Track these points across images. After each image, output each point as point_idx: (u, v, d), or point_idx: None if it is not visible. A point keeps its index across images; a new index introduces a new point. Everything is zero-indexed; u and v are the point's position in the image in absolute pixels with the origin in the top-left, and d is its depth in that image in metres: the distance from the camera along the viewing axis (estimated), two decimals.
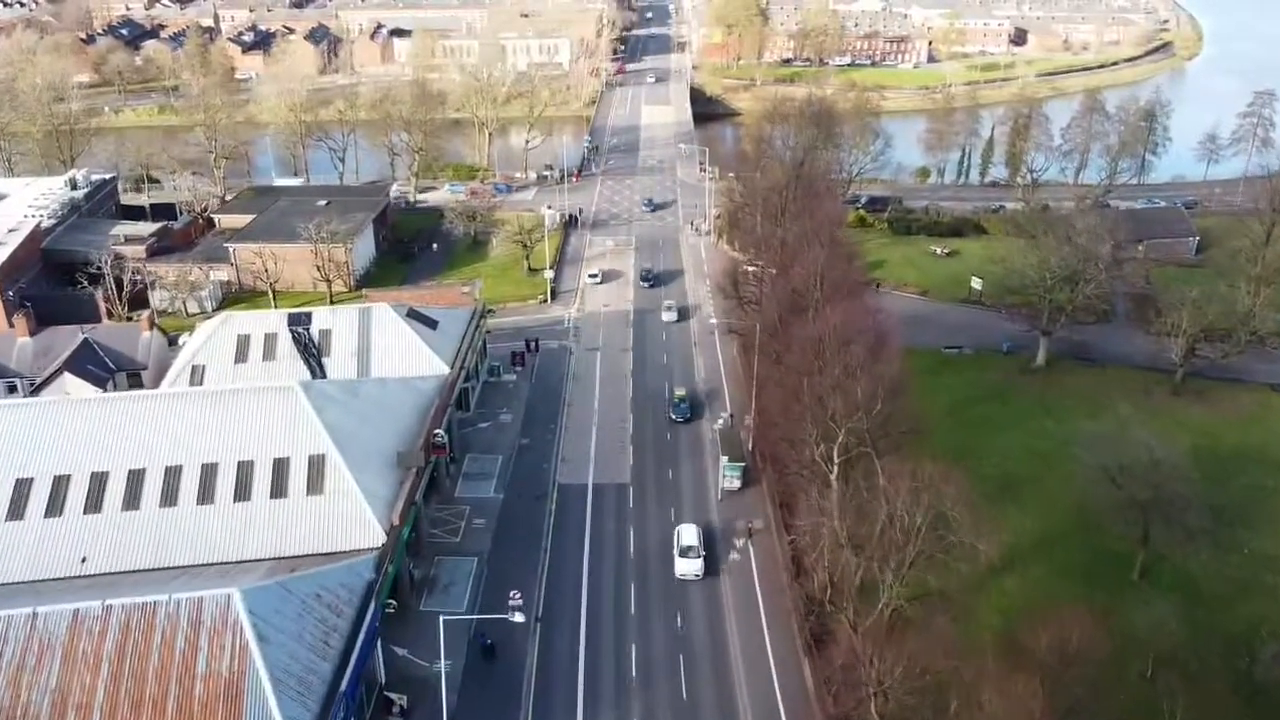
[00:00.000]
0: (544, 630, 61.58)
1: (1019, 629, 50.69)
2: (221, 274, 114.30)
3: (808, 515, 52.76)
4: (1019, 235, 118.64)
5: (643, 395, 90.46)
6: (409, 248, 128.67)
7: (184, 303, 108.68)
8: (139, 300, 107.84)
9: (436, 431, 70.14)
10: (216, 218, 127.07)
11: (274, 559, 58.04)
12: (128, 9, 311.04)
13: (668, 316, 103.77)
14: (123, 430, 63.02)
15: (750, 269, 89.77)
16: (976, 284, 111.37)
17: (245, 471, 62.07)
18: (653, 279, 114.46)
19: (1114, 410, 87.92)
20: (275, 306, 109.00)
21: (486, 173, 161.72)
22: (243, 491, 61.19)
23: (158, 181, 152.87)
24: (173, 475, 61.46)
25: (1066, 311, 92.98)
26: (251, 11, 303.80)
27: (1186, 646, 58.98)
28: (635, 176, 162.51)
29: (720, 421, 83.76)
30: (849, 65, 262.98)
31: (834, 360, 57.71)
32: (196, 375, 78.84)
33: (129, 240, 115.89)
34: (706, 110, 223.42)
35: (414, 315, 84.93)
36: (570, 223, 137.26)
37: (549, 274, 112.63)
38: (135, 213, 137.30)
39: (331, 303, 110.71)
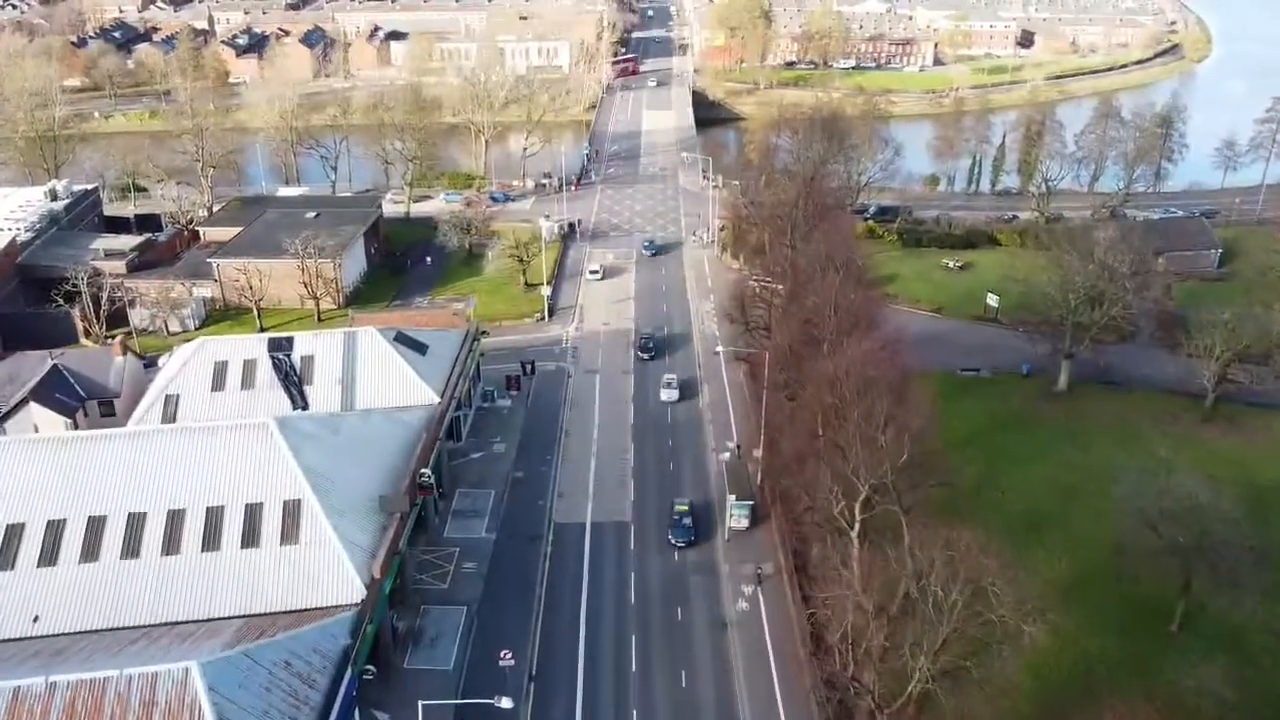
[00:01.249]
0: (538, 691, 56.87)
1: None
2: (205, 290, 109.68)
3: (827, 584, 47.95)
4: (1037, 249, 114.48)
5: (644, 422, 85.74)
6: (401, 261, 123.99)
7: (165, 322, 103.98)
8: (119, 318, 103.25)
9: (423, 471, 65.44)
10: (201, 230, 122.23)
11: (243, 617, 53.34)
12: (120, 11, 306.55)
13: (667, 395, 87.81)
14: (82, 473, 58.44)
15: (757, 286, 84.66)
16: (993, 301, 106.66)
17: (214, 518, 57.46)
18: (651, 349, 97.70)
19: (1142, 439, 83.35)
20: (260, 325, 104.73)
21: (483, 181, 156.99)
22: (211, 540, 56.57)
23: (145, 190, 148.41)
24: (135, 523, 56.86)
25: (1090, 333, 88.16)
26: (246, 14, 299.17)
27: (1238, 712, 54.15)
28: (636, 184, 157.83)
29: (726, 453, 79.06)
30: (854, 68, 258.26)
31: (854, 402, 53.03)
32: (170, 406, 74.24)
33: (109, 255, 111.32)
34: (709, 115, 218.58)
35: (402, 340, 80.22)
36: (569, 234, 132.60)
37: (546, 291, 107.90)
38: (119, 225, 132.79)
39: (319, 320, 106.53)
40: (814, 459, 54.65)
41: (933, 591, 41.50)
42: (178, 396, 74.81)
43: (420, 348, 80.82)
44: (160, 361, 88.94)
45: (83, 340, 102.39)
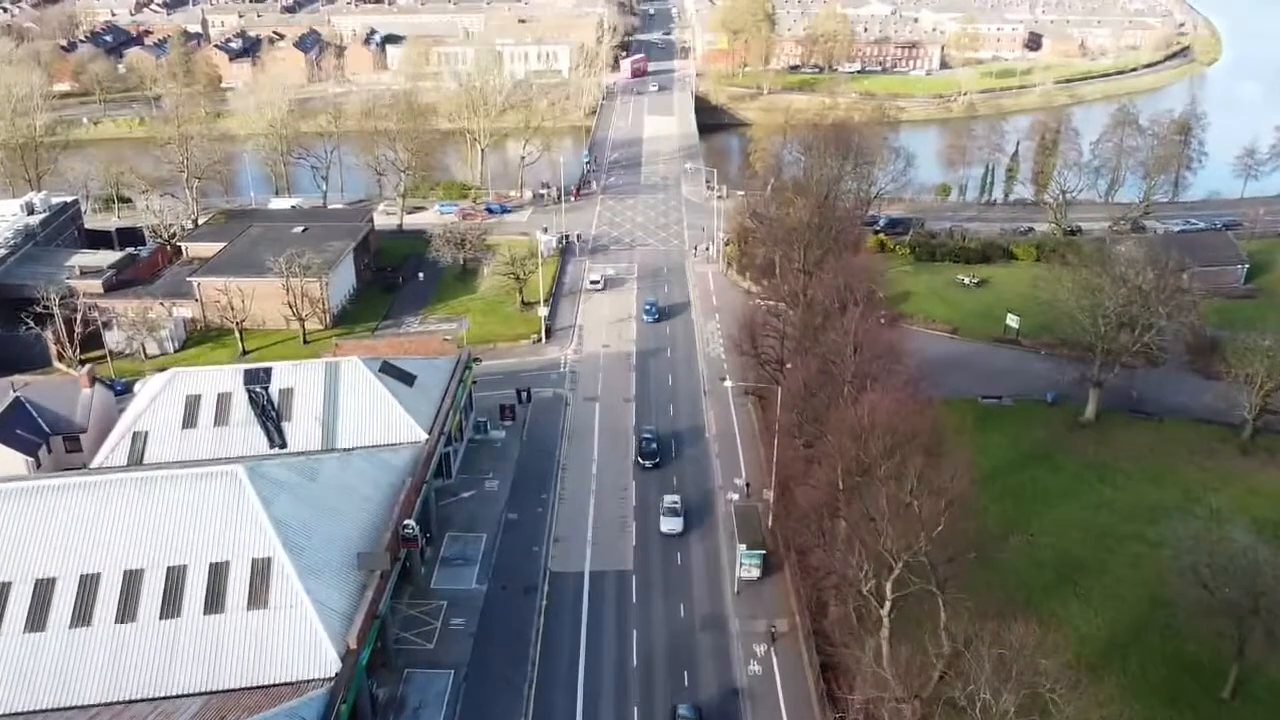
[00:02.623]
0: None
1: None
2: (186, 310, 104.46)
3: (860, 684, 42.73)
4: (1056, 264, 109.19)
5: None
6: (393, 277, 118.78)
7: (142, 344, 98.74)
8: (95, 340, 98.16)
9: (407, 523, 60.25)
10: (184, 246, 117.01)
11: (204, 694, 48.21)
12: (112, 15, 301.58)
13: (670, 526, 70.06)
14: (31, 529, 53.46)
15: (765, 306, 79.24)
16: (1013, 321, 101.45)
17: (175, 579, 52.41)
18: (655, 452, 79.62)
19: (1178, 475, 78.37)
20: (243, 347, 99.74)
21: (479, 191, 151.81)
22: (171, 605, 51.49)
23: (129, 201, 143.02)
24: (88, 586, 51.79)
25: (1121, 361, 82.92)
26: (241, 17, 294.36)
27: None
28: (638, 194, 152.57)
29: (734, 494, 73.87)
30: (859, 72, 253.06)
31: (881, 460, 47.86)
32: (137, 444, 69.27)
33: (85, 273, 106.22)
34: (712, 120, 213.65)
35: (388, 370, 75.15)
36: (567, 248, 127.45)
37: (543, 311, 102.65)
38: (100, 239, 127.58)
39: (305, 342, 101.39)
40: (833, 517, 49.44)
41: (981, 698, 36.33)
42: (146, 434, 69.82)
43: (407, 379, 75.77)
44: (136, 387, 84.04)
45: (56, 364, 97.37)
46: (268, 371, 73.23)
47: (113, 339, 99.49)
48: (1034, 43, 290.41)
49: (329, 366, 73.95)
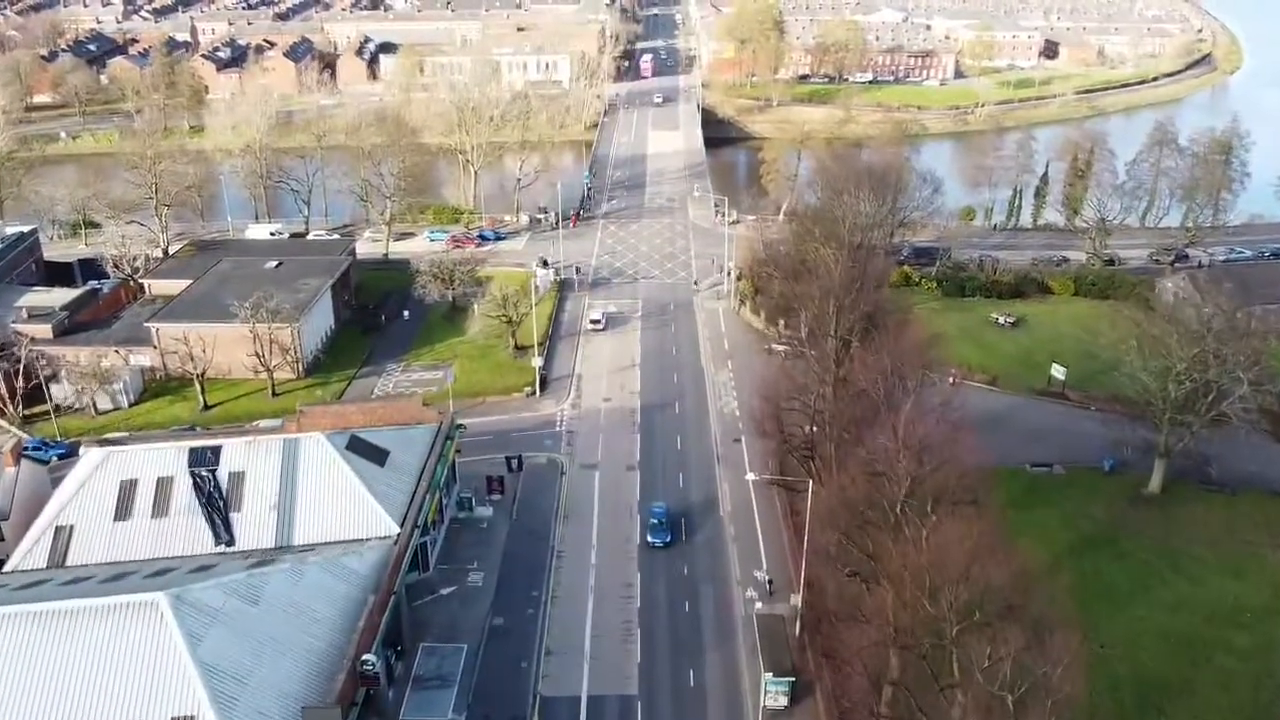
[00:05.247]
0: None
1: None
2: (144, 358, 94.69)
3: None
4: (1113, 311, 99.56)
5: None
6: (375, 316, 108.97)
7: (93, 398, 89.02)
8: (42, 394, 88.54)
9: (366, 658, 50.39)
10: (147, 283, 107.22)
11: None
12: (98, 22, 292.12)
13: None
14: None
15: (790, 377, 69.03)
16: (1058, 372, 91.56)
17: None
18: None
19: (1262, 564, 68.71)
20: (204, 401, 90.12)
21: (472, 216, 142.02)
22: None
23: (98, 226, 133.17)
24: None
25: (1193, 430, 72.92)
26: (231, 25, 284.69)
27: None
28: (641, 219, 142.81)
29: (754, 591, 63.99)
30: (871, 82, 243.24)
31: (954, 617, 38.15)
32: (60, 542, 59.69)
33: (34, 316, 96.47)
34: (718, 134, 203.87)
35: (357, 447, 65.38)
36: (565, 281, 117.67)
37: (537, 361, 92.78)
38: (59, 272, 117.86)
39: (274, 394, 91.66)
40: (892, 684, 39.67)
41: None
42: (71, 529, 60.26)
43: (379, 456, 66.02)
44: (82, 451, 74.16)
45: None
46: (216, 451, 63.41)
47: (60, 392, 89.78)
48: (1050, 50, 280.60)
49: (287, 445, 64.09)
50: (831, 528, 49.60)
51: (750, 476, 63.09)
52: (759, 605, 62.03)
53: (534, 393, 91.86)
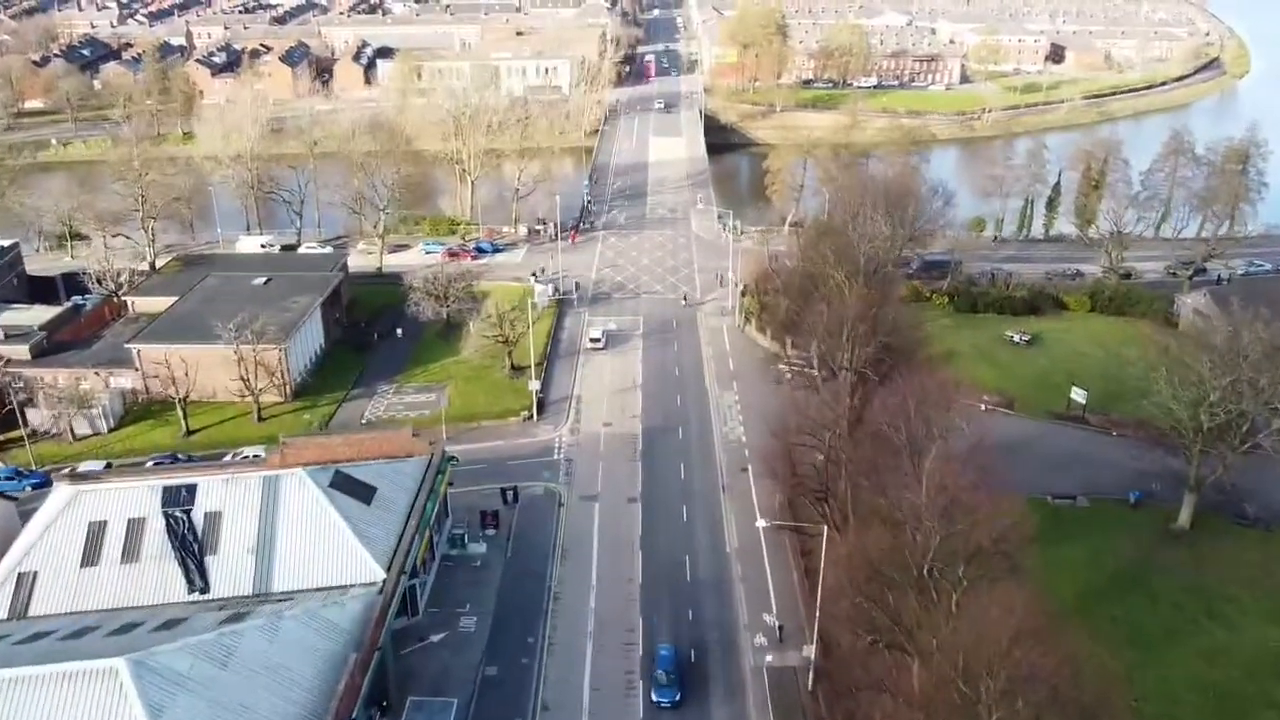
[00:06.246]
0: None
1: None
2: (125, 380, 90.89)
3: None
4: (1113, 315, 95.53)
5: (655, 579, 66.80)
6: (367, 333, 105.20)
7: (70, 423, 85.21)
8: (16, 419, 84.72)
9: None
10: (130, 300, 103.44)
11: None
12: (93, 27, 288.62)
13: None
14: None
15: (800, 411, 64.99)
16: (1079, 396, 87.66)
17: None
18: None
19: None
20: (186, 426, 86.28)
21: (469, 227, 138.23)
22: None
23: (86, 239, 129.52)
24: None
25: (1225, 463, 69.06)
26: (227, 29, 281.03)
27: None
28: (643, 230, 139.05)
29: (763, 638, 60.13)
30: (875, 87, 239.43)
31: (993, 704, 34.33)
32: (22, 590, 56.05)
33: (10, 336, 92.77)
34: (721, 140, 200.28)
35: (342, 484, 61.62)
36: (564, 298, 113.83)
37: (534, 386, 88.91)
38: (43, 288, 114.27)
39: (260, 419, 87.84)
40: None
41: None
42: (34, 575, 56.57)
43: (365, 493, 62.24)
44: (55, 487, 70.33)
45: None
46: (191, 490, 59.64)
47: (36, 417, 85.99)
48: (1056, 55, 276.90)
49: (267, 483, 60.35)
50: (850, 587, 45.54)
51: (761, 523, 59.14)
52: (769, 658, 58.06)
53: (531, 417, 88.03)
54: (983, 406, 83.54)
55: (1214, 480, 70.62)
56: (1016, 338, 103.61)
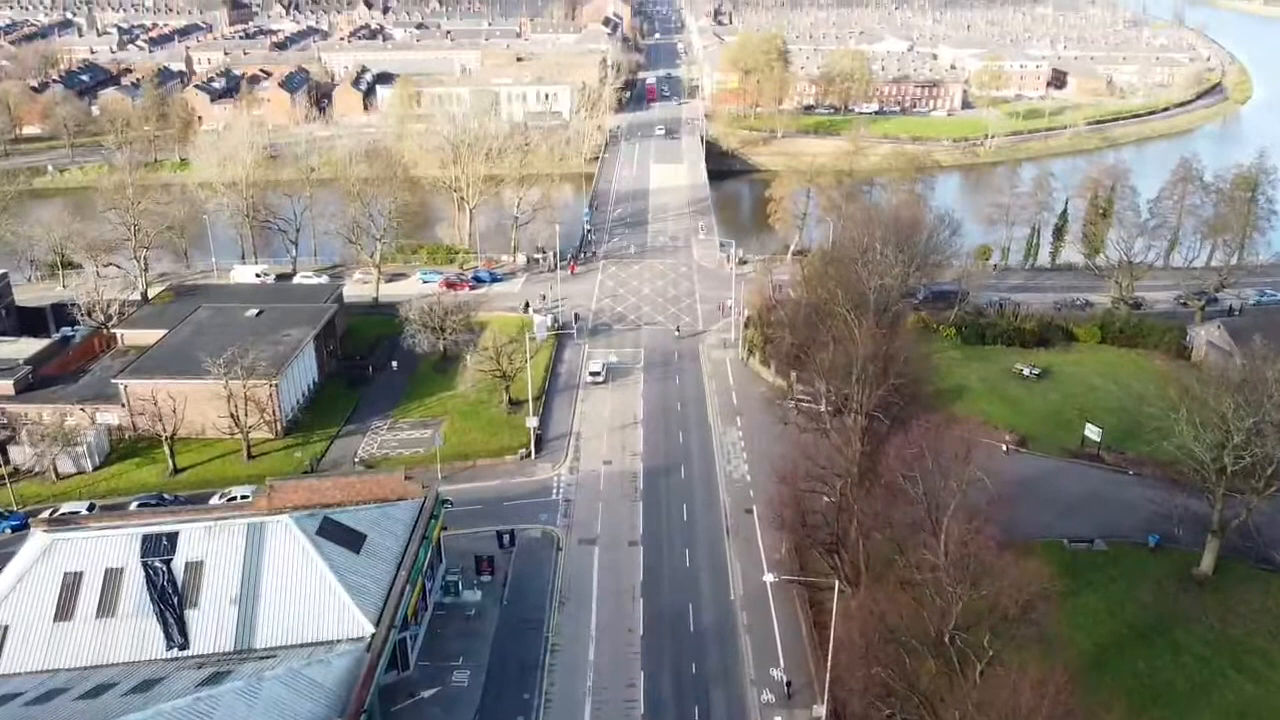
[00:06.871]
0: None
1: None
2: (111, 416, 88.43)
3: None
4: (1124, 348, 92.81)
5: (657, 629, 64.02)
6: (362, 367, 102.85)
7: (53, 462, 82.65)
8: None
9: None
10: (119, 333, 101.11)
11: None
12: (92, 52, 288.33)
13: None
14: None
15: (808, 456, 62.21)
16: (1093, 433, 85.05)
17: None
18: None
19: None
20: (173, 465, 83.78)
21: (467, 255, 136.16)
22: None
23: (78, 267, 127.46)
24: None
25: (1249, 506, 66.42)
26: (227, 55, 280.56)
27: None
28: (644, 259, 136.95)
29: (768, 693, 57.35)
30: (878, 113, 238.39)
31: None
32: None
33: None
34: (722, 166, 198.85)
35: (330, 532, 59.03)
36: (564, 329, 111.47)
37: (532, 422, 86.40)
38: (32, 319, 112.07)
39: (250, 457, 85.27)
40: None
41: None
42: (5, 630, 53.79)
43: (354, 541, 59.63)
44: (32, 533, 67.70)
45: None
46: (172, 539, 57.05)
47: (19, 454, 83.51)
48: (1058, 80, 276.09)
49: (252, 530, 57.78)
50: (864, 650, 42.74)
51: (769, 578, 56.40)
52: (778, 717, 55.22)
53: (528, 454, 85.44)
54: (1004, 448, 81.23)
55: (1238, 524, 67.95)
56: (1026, 371, 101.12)
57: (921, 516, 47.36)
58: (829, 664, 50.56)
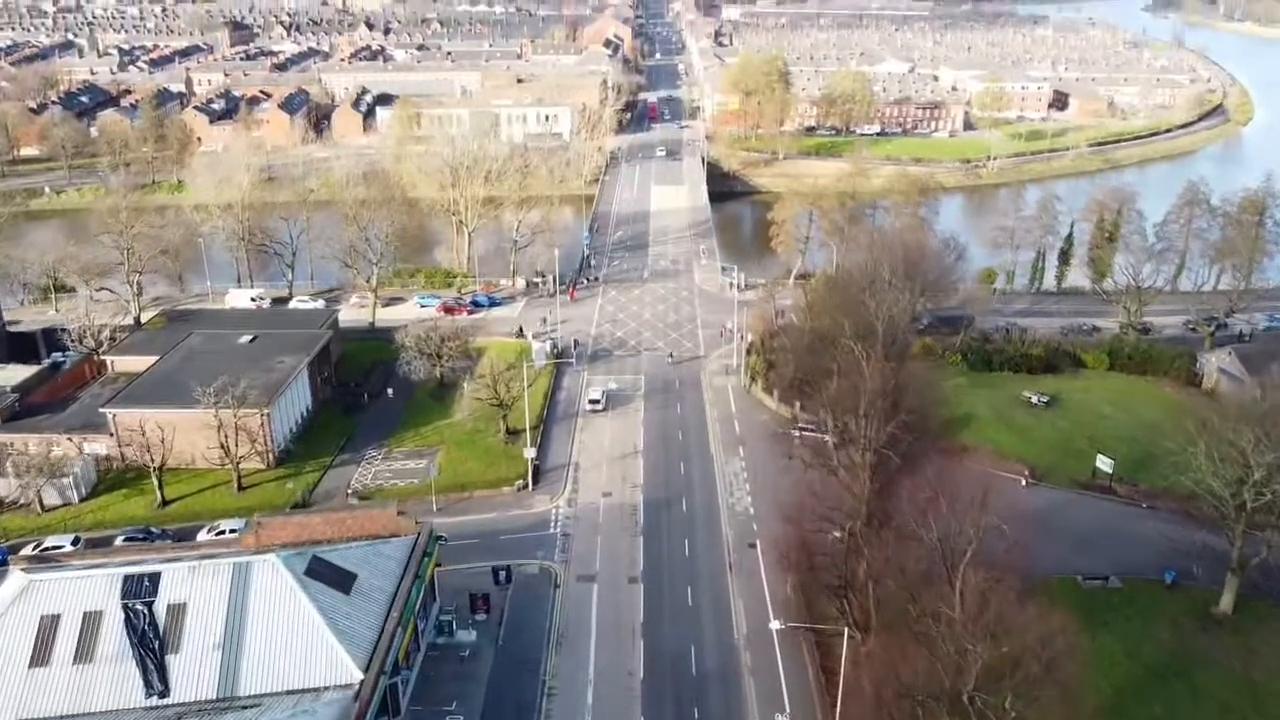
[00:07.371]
0: None
1: None
2: (99, 446, 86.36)
3: None
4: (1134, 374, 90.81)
5: (658, 672, 61.73)
6: (357, 394, 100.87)
7: (38, 493, 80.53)
8: None
9: None
10: (110, 359, 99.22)
11: None
12: (92, 73, 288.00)
13: None
14: None
15: (815, 495, 60.18)
16: (1105, 465, 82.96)
17: None
18: None
19: None
20: (161, 496, 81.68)
21: (465, 279, 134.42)
22: None
23: (72, 290, 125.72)
24: None
25: (1270, 544, 64.28)
26: (227, 76, 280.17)
27: None
28: (644, 284, 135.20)
29: None
30: (879, 135, 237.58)
31: None
32: None
33: None
34: (723, 188, 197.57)
35: (318, 572, 56.87)
36: (562, 356, 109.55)
37: (530, 453, 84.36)
38: (22, 344, 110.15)
39: (240, 488, 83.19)
40: None
41: None
42: None
43: (344, 581, 57.47)
44: (11, 570, 65.50)
45: None
46: (155, 580, 54.91)
47: (4, 486, 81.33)
48: (1060, 101, 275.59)
49: (237, 570, 55.63)
50: (876, 707, 40.51)
51: (775, 625, 54.26)
52: None
53: (526, 486, 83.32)
54: (1023, 482, 79.36)
55: (1258, 562, 65.78)
56: (1034, 399, 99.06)
57: (935, 563, 45.38)
58: (837, 712, 48.32)
